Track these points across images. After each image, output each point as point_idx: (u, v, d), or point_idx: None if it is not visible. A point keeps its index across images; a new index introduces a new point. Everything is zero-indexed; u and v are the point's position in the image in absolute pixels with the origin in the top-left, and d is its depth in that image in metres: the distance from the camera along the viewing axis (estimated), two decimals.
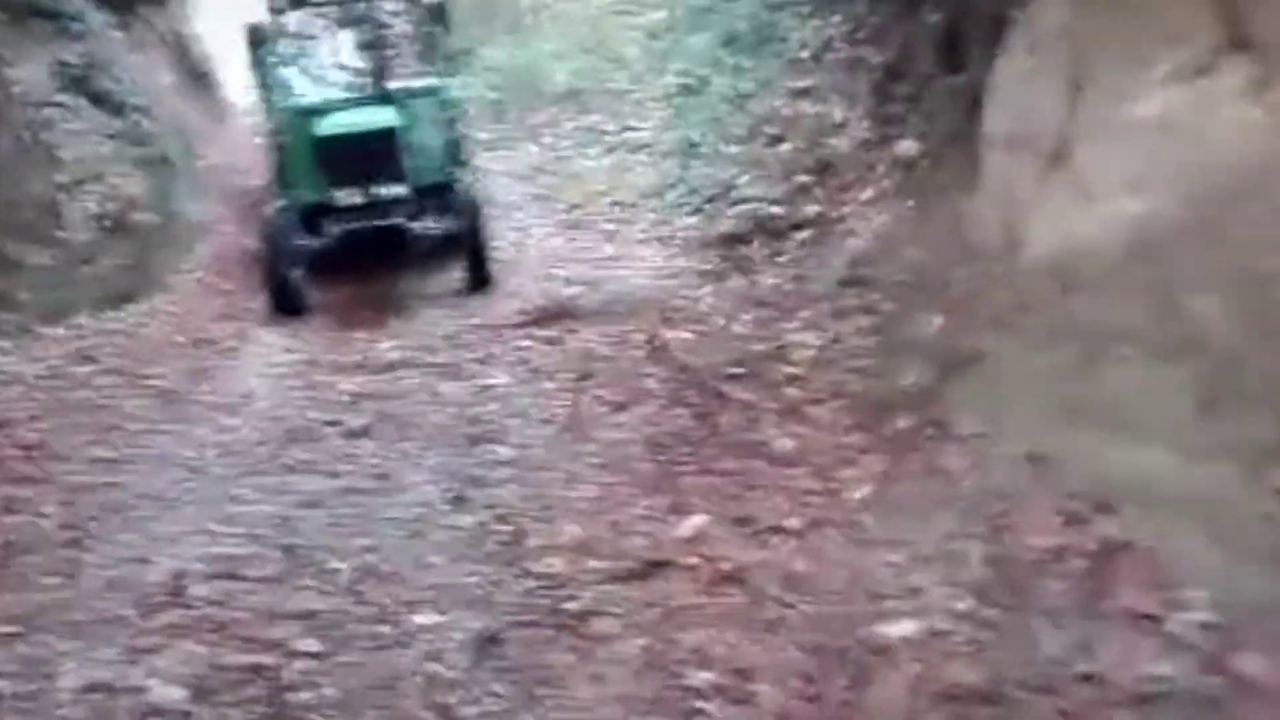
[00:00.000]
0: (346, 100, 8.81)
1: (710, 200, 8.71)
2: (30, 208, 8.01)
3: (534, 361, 6.37)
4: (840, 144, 6.85)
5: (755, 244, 7.23)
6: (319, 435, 5.46)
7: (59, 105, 9.45)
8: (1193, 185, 2.97)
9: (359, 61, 8.97)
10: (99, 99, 10.21)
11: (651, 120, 12.44)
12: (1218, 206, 2.87)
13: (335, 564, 4.15)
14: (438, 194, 8.55)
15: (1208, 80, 3.10)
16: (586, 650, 3.46)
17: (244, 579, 4.14)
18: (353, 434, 5.43)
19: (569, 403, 5.65)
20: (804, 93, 8.31)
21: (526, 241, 9.36)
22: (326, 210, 8.36)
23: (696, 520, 4.10)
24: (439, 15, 9.27)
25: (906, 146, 5.61)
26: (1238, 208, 2.91)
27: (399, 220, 8.33)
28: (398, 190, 8.40)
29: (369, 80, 8.80)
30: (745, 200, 7.98)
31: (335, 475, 4.96)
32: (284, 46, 9.17)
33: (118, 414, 5.92)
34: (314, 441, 5.38)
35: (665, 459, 4.71)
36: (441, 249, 8.31)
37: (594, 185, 11.07)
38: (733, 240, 7.51)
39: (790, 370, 4.96)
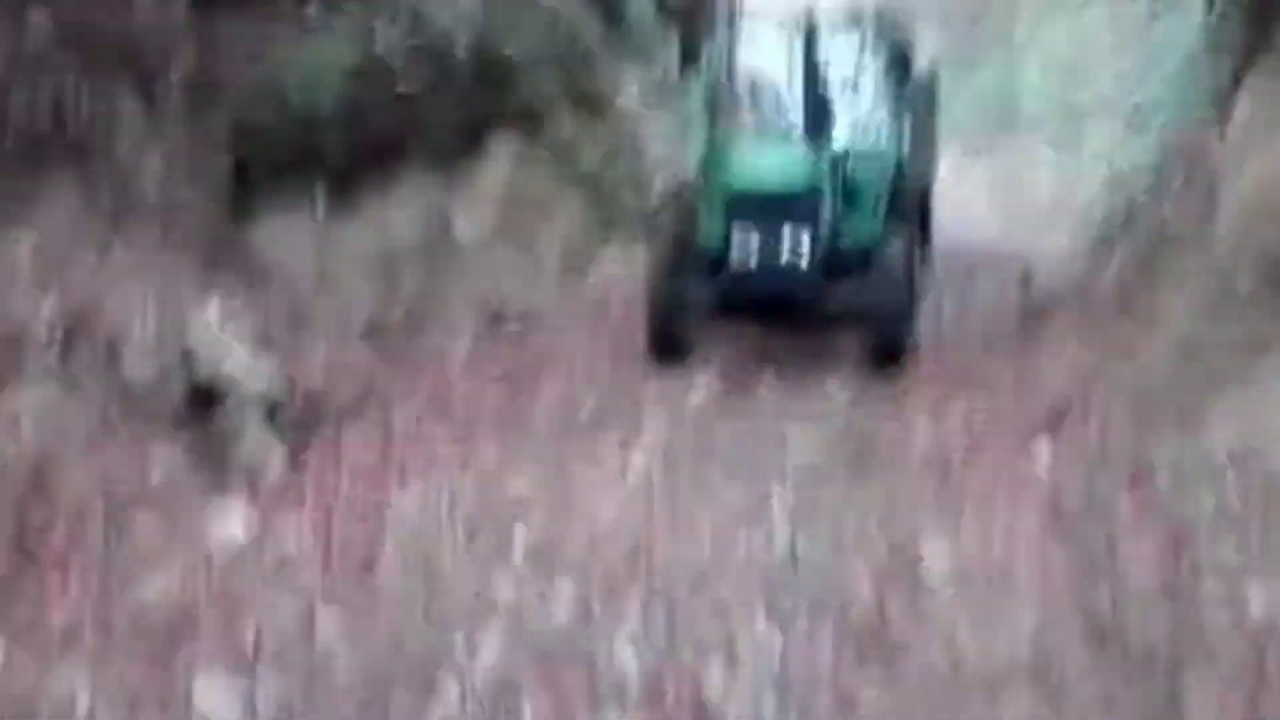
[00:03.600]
0: (771, 142, 8.79)
1: (1115, 197, 11.73)
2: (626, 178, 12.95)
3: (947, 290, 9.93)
4: None
5: (1127, 231, 10.28)
6: None
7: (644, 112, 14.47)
8: None
9: (802, 104, 8.54)
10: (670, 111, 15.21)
11: (1108, 136, 15.37)
12: None
13: None
14: (854, 262, 8.19)
15: None
16: None
17: None
18: None
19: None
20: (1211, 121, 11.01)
21: (963, 223, 12.59)
22: (723, 259, 8.15)
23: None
24: (902, 64, 9.20)
25: None
26: None
27: (797, 286, 8.04)
28: (802, 252, 8.06)
29: (805, 127, 8.42)
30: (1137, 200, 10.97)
31: None
32: (723, 71, 9.09)
33: None
34: None
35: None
36: (858, 319, 8.12)
37: (1037, 189, 14.37)
38: (1112, 228, 10.58)
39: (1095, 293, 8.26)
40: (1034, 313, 8.40)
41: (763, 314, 8.34)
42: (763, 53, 9.07)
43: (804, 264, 8.05)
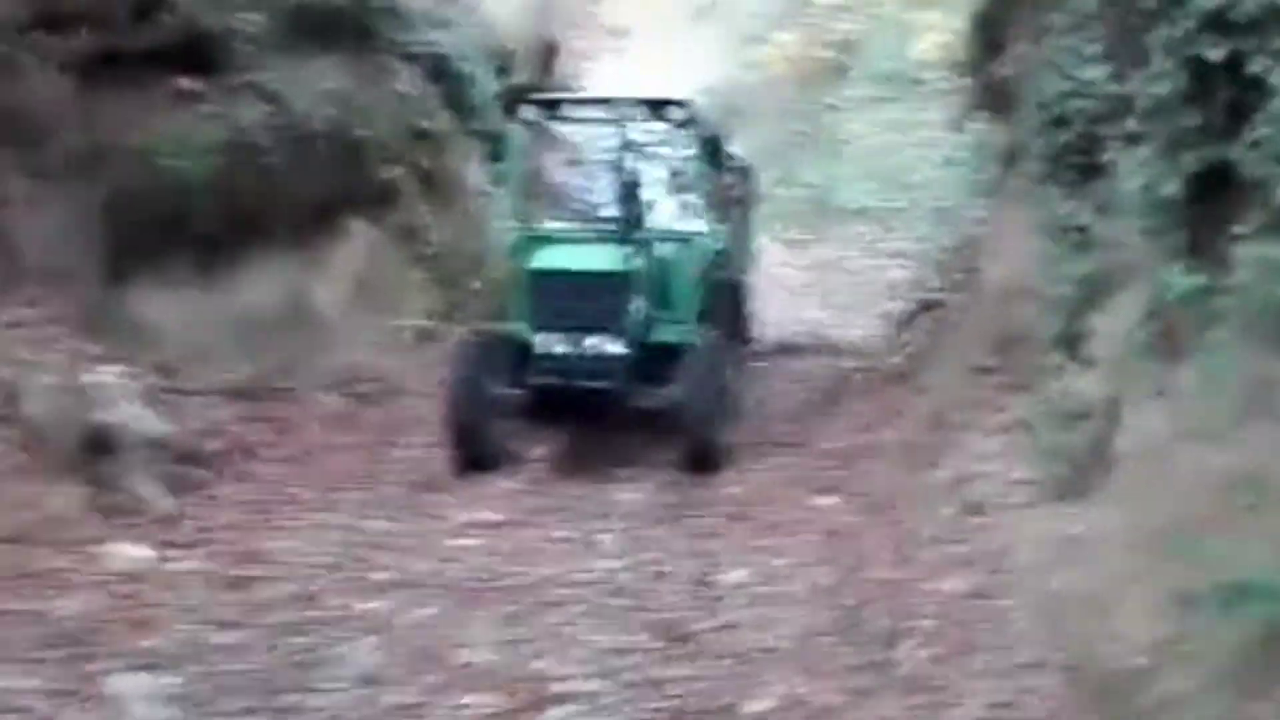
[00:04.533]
0: (577, 232, 8.58)
1: (914, 289, 13.53)
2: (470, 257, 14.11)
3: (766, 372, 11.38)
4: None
5: (919, 316, 11.99)
6: None
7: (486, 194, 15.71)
8: None
9: (613, 194, 8.50)
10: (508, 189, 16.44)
11: (913, 232, 17.36)
12: None
13: None
14: (665, 356, 7.97)
15: None
16: None
17: None
18: None
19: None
20: (982, 221, 12.98)
21: (784, 309, 14.34)
22: (528, 356, 7.98)
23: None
24: (712, 151, 9.16)
25: None
26: None
27: (607, 383, 7.87)
28: (610, 347, 7.92)
29: (615, 217, 8.33)
30: (927, 290, 12.75)
31: None
32: (529, 159, 9.04)
33: None
34: None
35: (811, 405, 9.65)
36: (669, 422, 7.93)
37: (851, 279, 16.15)
38: (907, 314, 12.28)
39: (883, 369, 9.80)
40: (839, 386, 9.88)
41: (570, 411, 8.13)
42: (576, 141, 9.16)
43: (612, 358, 7.91)
